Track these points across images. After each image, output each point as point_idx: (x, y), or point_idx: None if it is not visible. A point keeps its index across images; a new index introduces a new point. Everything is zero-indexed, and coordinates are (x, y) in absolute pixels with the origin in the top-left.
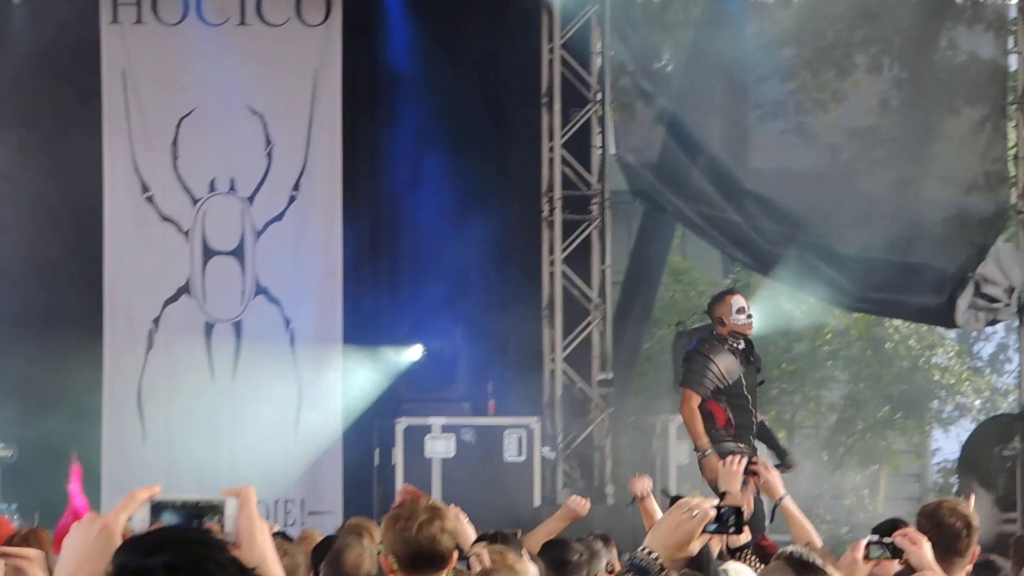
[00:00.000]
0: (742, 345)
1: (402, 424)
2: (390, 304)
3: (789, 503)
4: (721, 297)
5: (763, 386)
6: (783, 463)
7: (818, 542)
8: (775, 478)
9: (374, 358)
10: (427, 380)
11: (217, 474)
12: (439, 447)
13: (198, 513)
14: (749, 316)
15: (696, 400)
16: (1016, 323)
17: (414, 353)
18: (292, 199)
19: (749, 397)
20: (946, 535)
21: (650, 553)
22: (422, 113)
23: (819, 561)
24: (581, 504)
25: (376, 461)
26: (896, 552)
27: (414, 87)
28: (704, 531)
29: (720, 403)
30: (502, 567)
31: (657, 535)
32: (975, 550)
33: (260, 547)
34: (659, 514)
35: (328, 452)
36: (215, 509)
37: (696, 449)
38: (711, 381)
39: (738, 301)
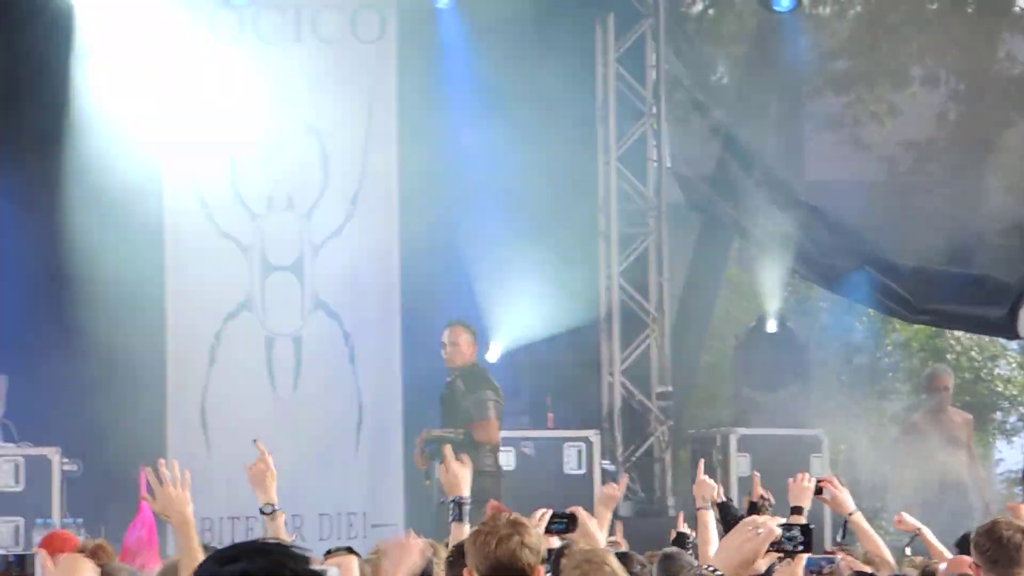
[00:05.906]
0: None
1: None
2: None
3: (859, 519)
4: None
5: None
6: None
7: (888, 556)
8: (844, 494)
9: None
10: None
11: (279, 488)
12: (500, 460)
13: None
14: (446, 349)
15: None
16: None
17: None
18: (350, 215)
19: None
20: (1008, 549)
21: (714, 571)
22: (478, 128)
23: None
24: (614, 488)
25: (435, 473)
26: None
27: (469, 101)
28: (770, 550)
29: None
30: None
31: (722, 553)
32: None
33: None
34: (712, 526)
35: (389, 465)
36: None
37: None
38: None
39: (444, 336)
